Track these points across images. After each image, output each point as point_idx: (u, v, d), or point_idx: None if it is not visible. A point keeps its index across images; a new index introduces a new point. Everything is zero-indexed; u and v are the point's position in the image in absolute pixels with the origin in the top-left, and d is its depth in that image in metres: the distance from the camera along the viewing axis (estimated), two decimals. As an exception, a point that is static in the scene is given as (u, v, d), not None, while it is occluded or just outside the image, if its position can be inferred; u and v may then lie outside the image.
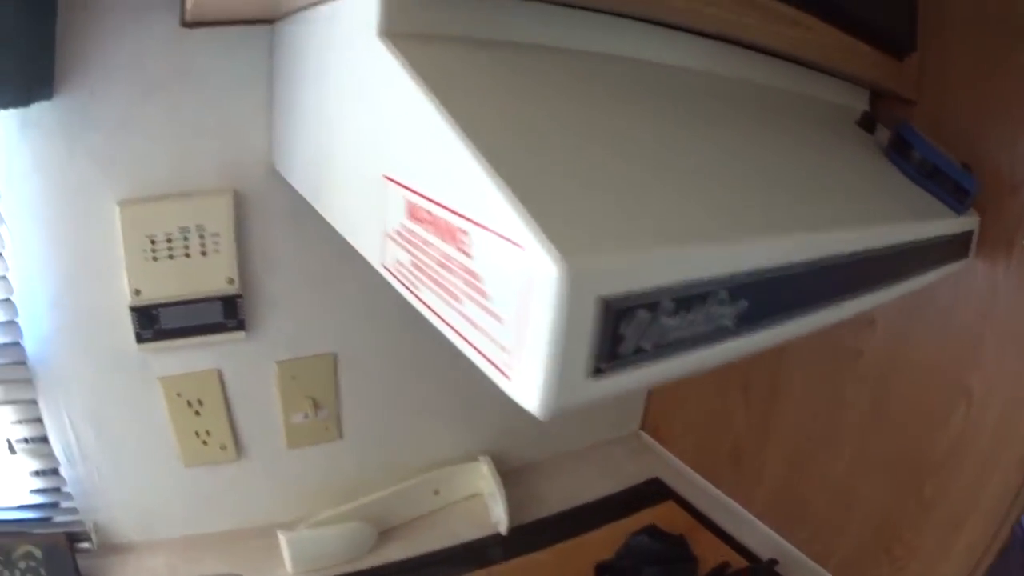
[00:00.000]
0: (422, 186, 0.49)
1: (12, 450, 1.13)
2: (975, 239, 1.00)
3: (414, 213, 0.50)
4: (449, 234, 0.45)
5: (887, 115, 1.09)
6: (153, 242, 1.06)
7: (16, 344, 1.07)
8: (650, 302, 0.39)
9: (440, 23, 0.56)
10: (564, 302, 0.35)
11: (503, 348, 0.40)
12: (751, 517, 1.51)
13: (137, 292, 1.08)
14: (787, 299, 0.54)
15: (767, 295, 0.50)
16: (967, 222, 0.95)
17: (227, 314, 1.16)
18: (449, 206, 0.45)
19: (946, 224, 0.88)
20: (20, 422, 1.12)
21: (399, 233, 0.54)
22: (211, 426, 1.25)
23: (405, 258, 0.53)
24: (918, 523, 1.19)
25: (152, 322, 1.11)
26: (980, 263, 1.04)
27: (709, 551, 1.40)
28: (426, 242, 0.49)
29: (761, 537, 1.46)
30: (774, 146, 0.74)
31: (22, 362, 1.08)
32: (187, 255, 1.09)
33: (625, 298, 0.38)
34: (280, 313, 1.23)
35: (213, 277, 1.12)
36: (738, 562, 1.38)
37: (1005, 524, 1.08)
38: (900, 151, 0.94)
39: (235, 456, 1.30)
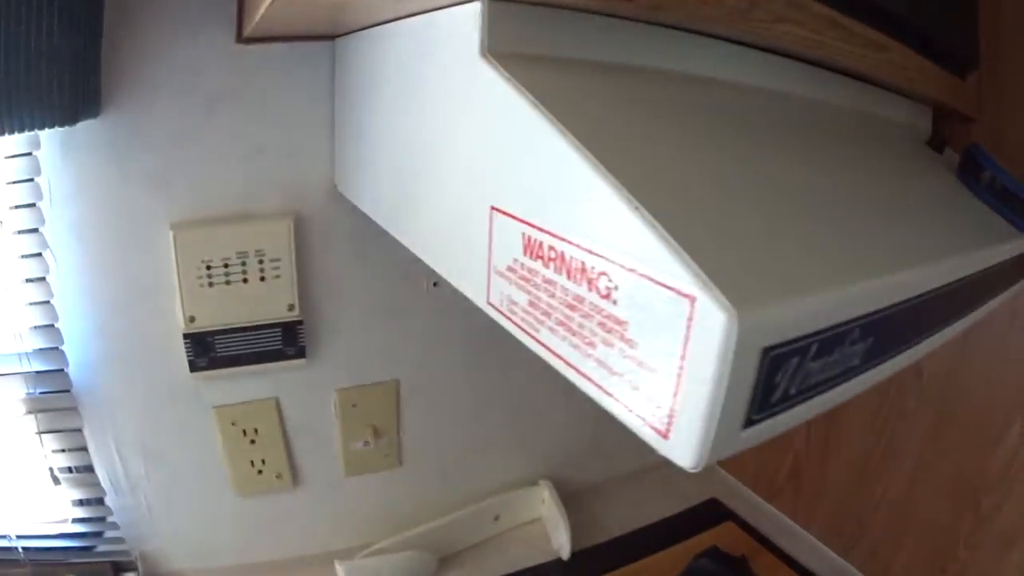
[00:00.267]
0: (546, 221, 0.45)
1: (56, 480, 1.12)
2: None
3: (533, 249, 0.47)
4: (581, 275, 0.42)
5: (949, 134, 1.08)
6: (209, 267, 1.05)
7: (61, 372, 1.06)
8: (802, 348, 0.38)
9: (543, 42, 0.53)
10: (733, 355, 0.32)
11: (654, 402, 0.37)
12: (810, 537, 1.49)
13: (192, 319, 1.07)
14: (903, 333, 0.53)
15: (888, 330, 0.48)
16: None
17: (287, 341, 1.14)
18: (583, 245, 0.42)
19: (1020, 244, 0.86)
20: (64, 451, 1.11)
21: (512, 270, 0.51)
22: (267, 455, 1.24)
23: (520, 297, 0.50)
24: (973, 540, 1.18)
25: (207, 350, 1.10)
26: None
27: (770, 573, 1.38)
28: (549, 281, 0.46)
29: (821, 557, 1.44)
30: (870, 171, 0.72)
31: (67, 390, 1.07)
32: (245, 280, 1.07)
33: (783, 346, 0.36)
34: (341, 340, 1.21)
35: (272, 303, 1.11)
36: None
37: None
38: (970, 172, 0.93)
39: (291, 485, 1.28)
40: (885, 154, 0.85)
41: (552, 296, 0.46)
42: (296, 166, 1.07)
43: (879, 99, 0.94)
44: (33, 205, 0.97)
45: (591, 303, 0.42)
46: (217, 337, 1.10)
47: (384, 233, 0.81)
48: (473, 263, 0.57)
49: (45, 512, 1.14)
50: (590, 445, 1.57)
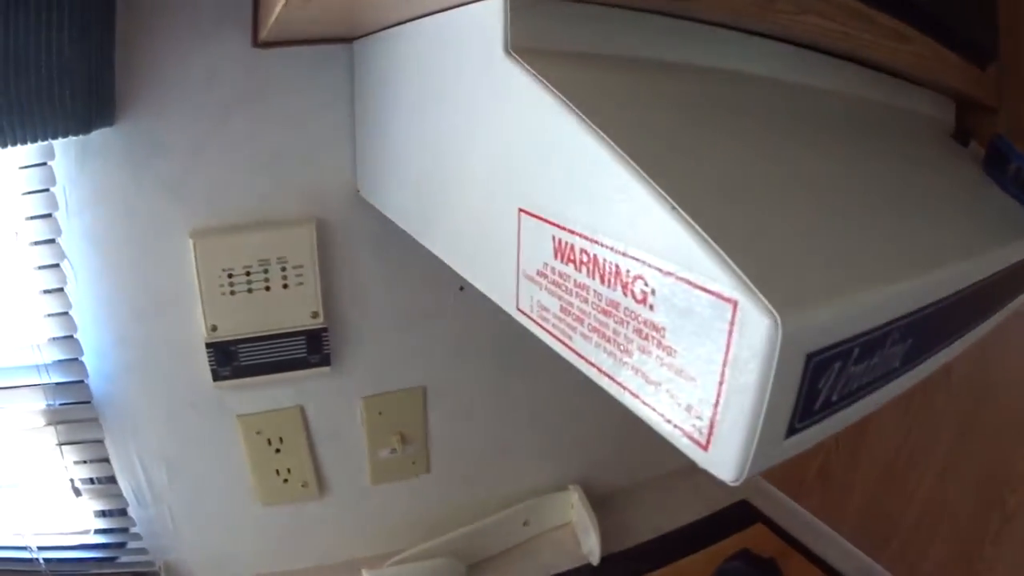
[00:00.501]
0: (577, 223, 0.44)
1: (77, 492, 1.12)
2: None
3: (564, 253, 0.46)
4: (616, 279, 0.41)
5: (973, 126, 1.07)
6: (230, 275, 1.04)
7: (81, 383, 1.06)
8: (845, 351, 0.36)
9: (568, 37, 0.52)
10: (778, 362, 0.31)
11: (693, 412, 0.36)
12: (839, 538, 1.48)
13: (214, 328, 1.06)
14: (940, 332, 0.52)
15: (926, 330, 0.47)
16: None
17: (311, 349, 1.13)
18: (618, 248, 0.40)
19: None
20: (85, 462, 1.11)
21: (542, 274, 0.50)
22: (292, 464, 1.24)
23: (551, 303, 0.49)
24: (1000, 537, 1.17)
25: (230, 359, 1.09)
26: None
27: (799, 575, 1.37)
28: (582, 286, 0.45)
29: (850, 558, 1.43)
30: (898, 165, 0.71)
31: (87, 401, 1.07)
32: (267, 288, 1.07)
33: (826, 351, 0.35)
34: (367, 347, 1.21)
35: (296, 311, 1.10)
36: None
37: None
38: (997, 164, 0.92)
39: (317, 493, 1.28)
40: (911, 147, 0.84)
41: (585, 301, 0.45)
42: (317, 171, 1.06)
43: (902, 91, 0.93)
44: (49, 215, 0.96)
45: (626, 308, 0.41)
46: (240, 346, 1.09)
47: (409, 238, 0.80)
48: (501, 268, 0.56)
49: (66, 524, 1.14)
50: (619, 448, 1.56)
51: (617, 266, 0.41)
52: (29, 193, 0.95)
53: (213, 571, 1.28)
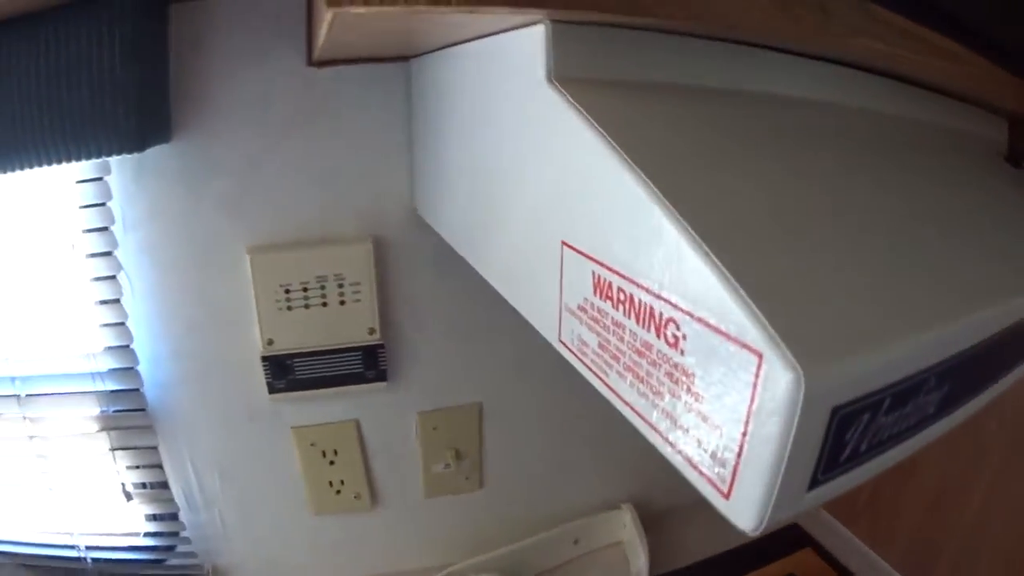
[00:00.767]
0: (615, 261, 0.43)
1: (128, 496, 1.14)
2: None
3: (602, 289, 0.46)
4: (651, 320, 0.41)
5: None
6: (287, 291, 1.05)
7: (136, 391, 1.08)
8: (874, 403, 0.36)
9: (611, 65, 0.51)
10: (800, 416, 0.31)
11: (717, 460, 0.36)
12: (886, 566, 1.46)
13: (270, 342, 1.08)
14: (981, 375, 0.51)
15: (966, 374, 0.47)
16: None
17: (368, 365, 1.14)
18: (652, 289, 0.40)
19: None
20: (138, 467, 1.13)
21: (582, 309, 0.49)
22: (346, 475, 1.25)
23: (590, 338, 0.49)
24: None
25: (286, 372, 1.11)
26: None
27: (845, 601, 1.35)
28: (618, 324, 0.44)
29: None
30: (944, 190, 0.69)
31: (142, 409, 1.09)
32: (324, 304, 1.08)
33: (853, 403, 0.34)
34: (423, 363, 1.21)
35: (353, 327, 1.11)
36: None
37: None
38: (1049, 186, 0.90)
39: (369, 505, 1.29)
40: (961, 170, 0.82)
41: (621, 340, 0.44)
42: (373, 189, 1.07)
43: (951, 110, 0.91)
44: (105, 229, 0.98)
45: (659, 351, 0.40)
46: (296, 360, 1.11)
47: (465, 256, 0.81)
48: (545, 299, 0.55)
49: (116, 526, 1.16)
50: (672, 468, 1.54)
51: (651, 307, 0.40)
52: (86, 207, 0.97)
53: (262, 576, 1.29)
